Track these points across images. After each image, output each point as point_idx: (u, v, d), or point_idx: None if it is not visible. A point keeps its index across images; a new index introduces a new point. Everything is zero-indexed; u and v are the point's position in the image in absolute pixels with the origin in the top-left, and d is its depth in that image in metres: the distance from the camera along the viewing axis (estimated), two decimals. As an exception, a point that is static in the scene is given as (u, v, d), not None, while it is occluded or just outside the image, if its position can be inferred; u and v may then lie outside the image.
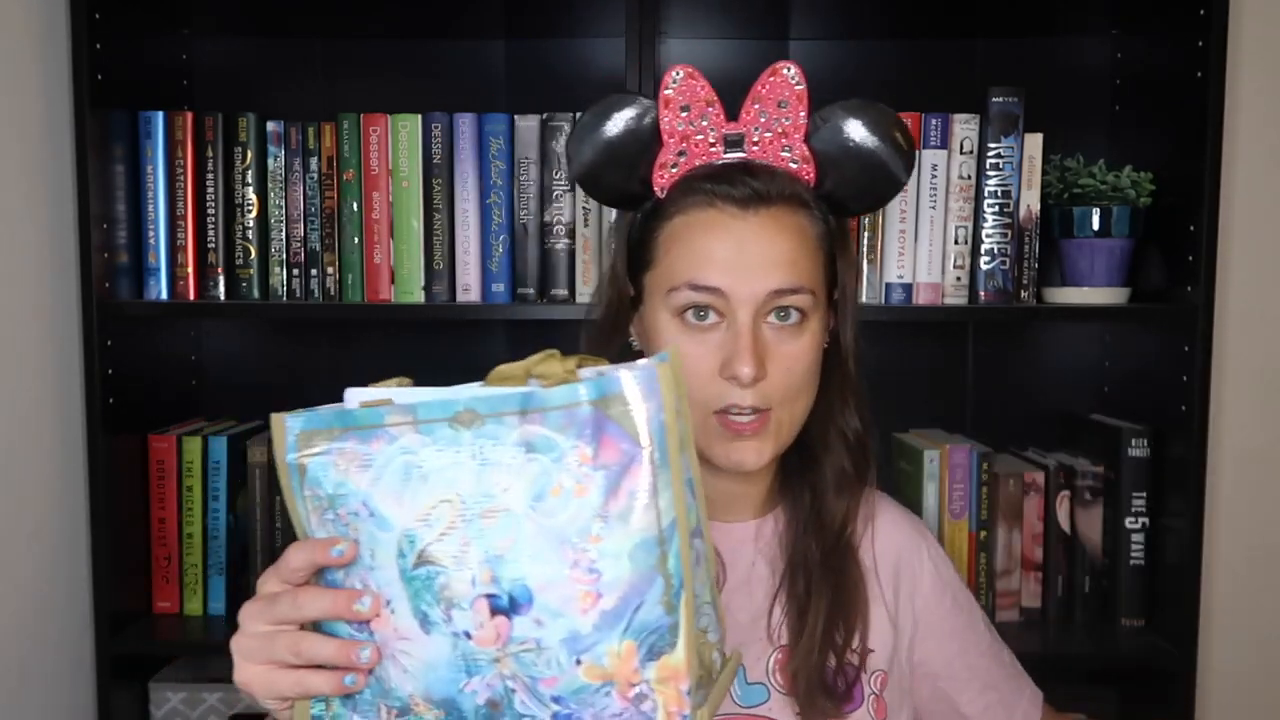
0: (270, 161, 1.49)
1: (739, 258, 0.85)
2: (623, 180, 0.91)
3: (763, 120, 0.88)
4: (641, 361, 0.62)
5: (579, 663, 0.61)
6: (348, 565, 0.65)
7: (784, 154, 0.88)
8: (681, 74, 0.88)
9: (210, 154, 1.49)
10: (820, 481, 0.94)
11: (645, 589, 0.60)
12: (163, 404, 1.59)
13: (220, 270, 1.50)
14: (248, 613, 0.68)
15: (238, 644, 0.68)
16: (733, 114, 0.89)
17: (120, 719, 1.48)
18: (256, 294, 1.50)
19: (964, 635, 1.02)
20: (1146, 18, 1.52)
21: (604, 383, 0.59)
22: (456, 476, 0.62)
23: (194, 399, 1.69)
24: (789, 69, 0.87)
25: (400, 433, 0.63)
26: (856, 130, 0.88)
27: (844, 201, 0.91)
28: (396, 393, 0.64)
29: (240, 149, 1.49)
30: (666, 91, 0.88)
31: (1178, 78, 1.42)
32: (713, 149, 0.89)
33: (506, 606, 0.61)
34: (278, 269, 1.50)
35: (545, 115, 1.46)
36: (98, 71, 1.39)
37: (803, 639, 0.91)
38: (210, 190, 1.49)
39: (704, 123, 0.88)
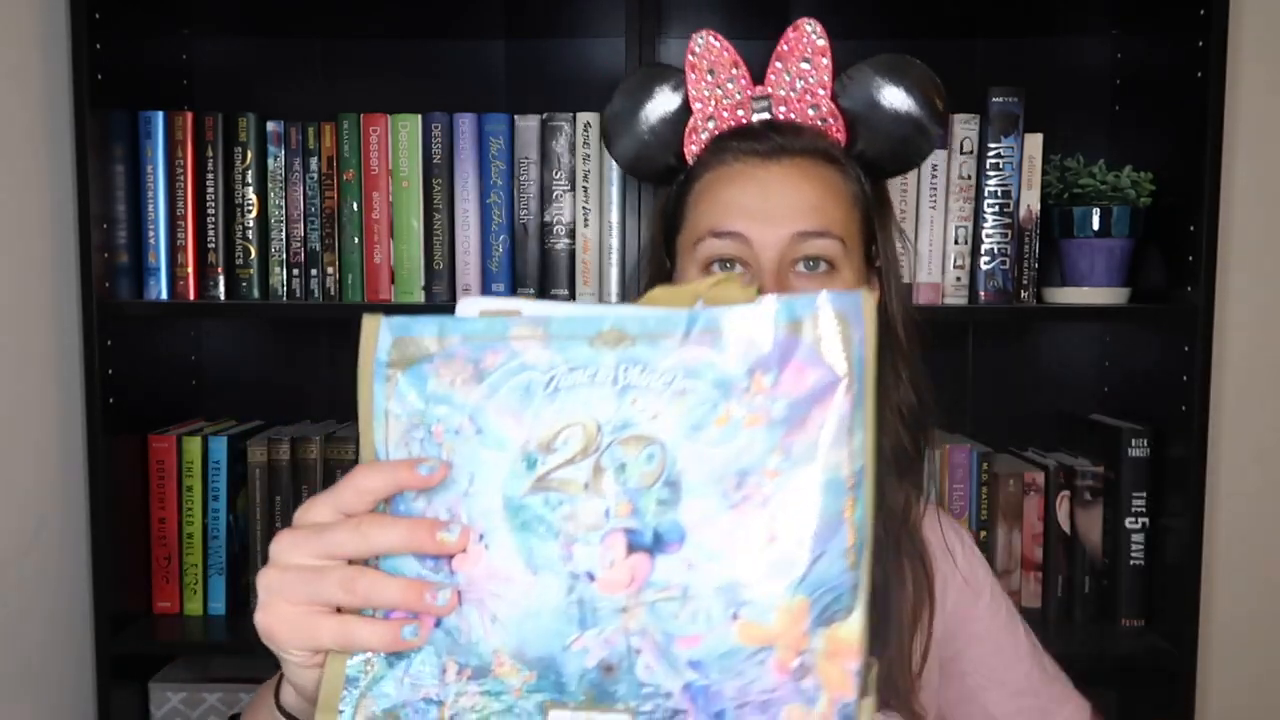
0: (270, 161, 1.49)
1: (762, 204, 0.83)
2: (664, 158, 0.90)
3: (787, 79, 0.87)
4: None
5: (735, 617, 0.51)
6: (431, 491, 0.55)
7: (810, 112, 0.87)
8: (705, 38, 0.87)
9: (210, 154, 1.49)
10: (880, 462, 0.92)
11: (828, 537, 0.51)
12: (163, 404, 1.59)
13: (220, 270, 1.50)
14: (285, 544, 0.55)
15: (266, 579, 0.55)
16: (759, 79, 0.88)
17: (120, 719, 1.48)
18: (256, 294, 1.50)
19: (998, 637, 0.99)
20: (1146, 18, 1.52)
21: (798, 303, 0.51)
22: (592, 399, 0.53)
23: (194, 399, 1.69)
24: (810, 24, 0.86)
25: (524, 348, 0.54)
26: (887, 89, 0.86)
27: (877, 161, 0.88)
28: (525, 304, 0.55)
29: (240, 149, 1.49)
30: (691, 57, 0.87)
31: (1178, 78, 1.42)
32: (740, 112, 0.87)
33: (649, 544, 0.52)
34: (278, 269, 1.50)
35: (545, 115, 1.46)
36: (98, 71, 1.39)
37: (891, 630, 0.88)
38: (210, 190, 1.49)
39: (730, 85, 0.87)
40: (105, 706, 1.46)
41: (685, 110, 0.89)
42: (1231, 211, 1.57)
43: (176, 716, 1.54)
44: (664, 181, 0.94)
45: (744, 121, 0.88)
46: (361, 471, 0.55)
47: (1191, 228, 1.39)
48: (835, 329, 0.51)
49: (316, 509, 0.55)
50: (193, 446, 1.51)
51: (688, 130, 0.88)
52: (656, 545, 0.52)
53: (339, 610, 0.55)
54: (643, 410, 0.53)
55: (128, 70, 1.46)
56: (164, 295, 1.48)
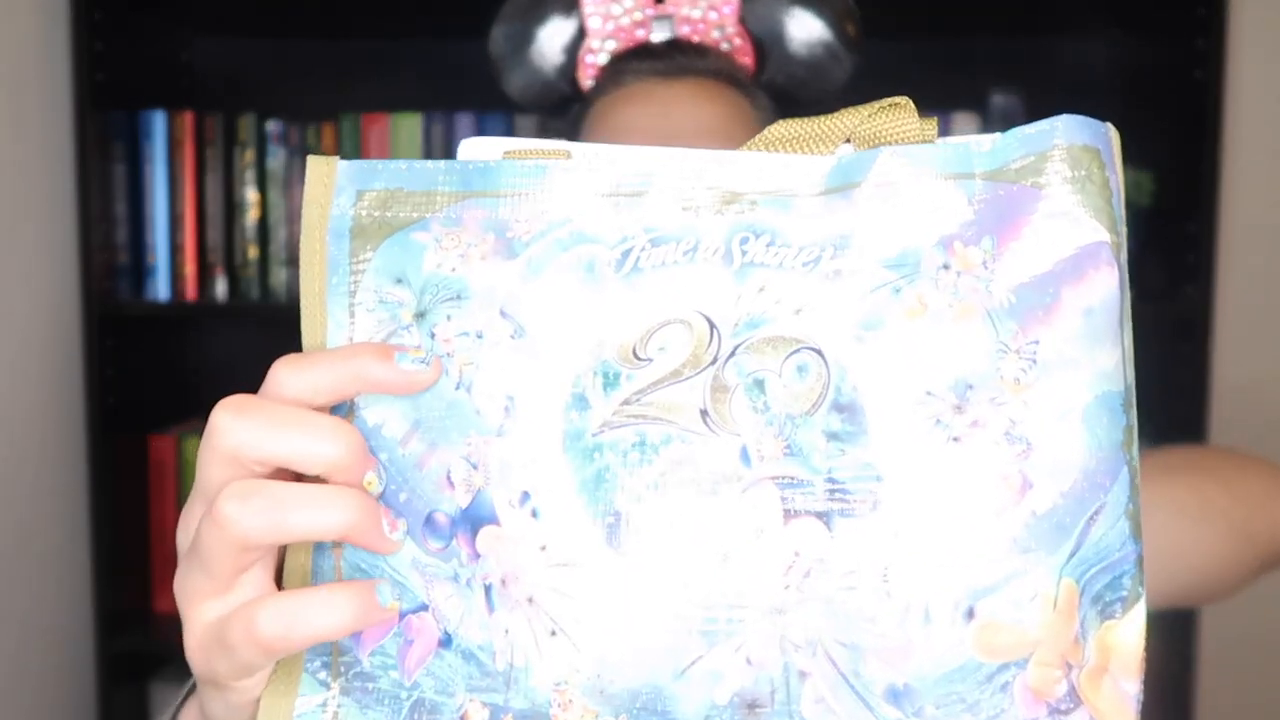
0: (270, 161, 1.49)
1: (663, 124, 0.74)
2: (560, 86, 0.82)
3: None
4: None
5: (971, 616, 0.33)
6: (429, 425, 0.35)
7: (716, 34, 0.79)
8: None
9: (210, 154, 1.49)
10: None
11: (1107, 482, 0.33)
12: (163, 404, 1.59)
13: (220, 270, 1.50)
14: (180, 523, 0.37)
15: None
16: None
17: (120, 719, 1.48)
18: (257, 294, 1.50)
19: None
20: (1147, 17, 1.52)
21: (1026, 136, 0.34)
22: (695, 284, 0.35)
23: (194, 399, 1.69)
24: None
25: (577, 208, 0.35)
26: (796, 12, 0.79)
27: (787, 90, 0.81)
28: (571, 146, 0.37)
29: (240, 149, 1.49)
30: None
31: (1178, 78, 1.42)
32: (639, 32, 0.79)
33: (821, 504, 0.34)
34: (278, 269, 1.50)
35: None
36: (98, 71, 1.39)
37: None
38: (210, 190, 1.49)
39: (629, 2, 0.79)
40: (105, 706, 1.46)
41: (580, 34, 0.80)
42: (1231, 212, 1.57)
43: (176, 716, 1.54)
44: (561, 113, 0.85)
45: (644, 41, 0.79)
46: (284, 367, 0.35)
47: (1191, 228, 1.39)
48: (1090, 170, 0.34)
49: (208, 449, 0.35)
50: (193, 447, 1.51)
51: (582, 53, 0.80)
52: (835, 504, 0.34)
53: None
54: (778, 301, 0.35)
55: (128, 70, 1.46)
56: (164, 295, 1.48)
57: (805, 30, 0.80)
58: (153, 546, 1.52)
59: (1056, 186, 0.34)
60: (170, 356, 1.65)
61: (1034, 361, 0.33)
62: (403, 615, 0.35)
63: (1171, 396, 1.43)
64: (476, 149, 0.37)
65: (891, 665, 0.33)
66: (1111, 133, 0.35)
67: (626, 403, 0.34)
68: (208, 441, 0.34)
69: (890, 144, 0.36)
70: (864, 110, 0.36)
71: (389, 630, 0.35)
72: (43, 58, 1.41)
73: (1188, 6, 1.38)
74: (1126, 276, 0.34)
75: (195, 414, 1.67)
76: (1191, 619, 1.41)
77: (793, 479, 0.34)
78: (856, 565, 0.33)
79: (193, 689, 0.44)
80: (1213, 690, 1.62)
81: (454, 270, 0.35)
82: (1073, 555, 0.33)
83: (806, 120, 0.37)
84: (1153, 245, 1.48)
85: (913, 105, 0.36)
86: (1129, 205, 1.46)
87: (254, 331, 1.72)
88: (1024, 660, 0.33)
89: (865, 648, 0.33)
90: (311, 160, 0.36)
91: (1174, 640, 1.43)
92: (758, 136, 0.37)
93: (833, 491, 0.33)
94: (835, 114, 0.36)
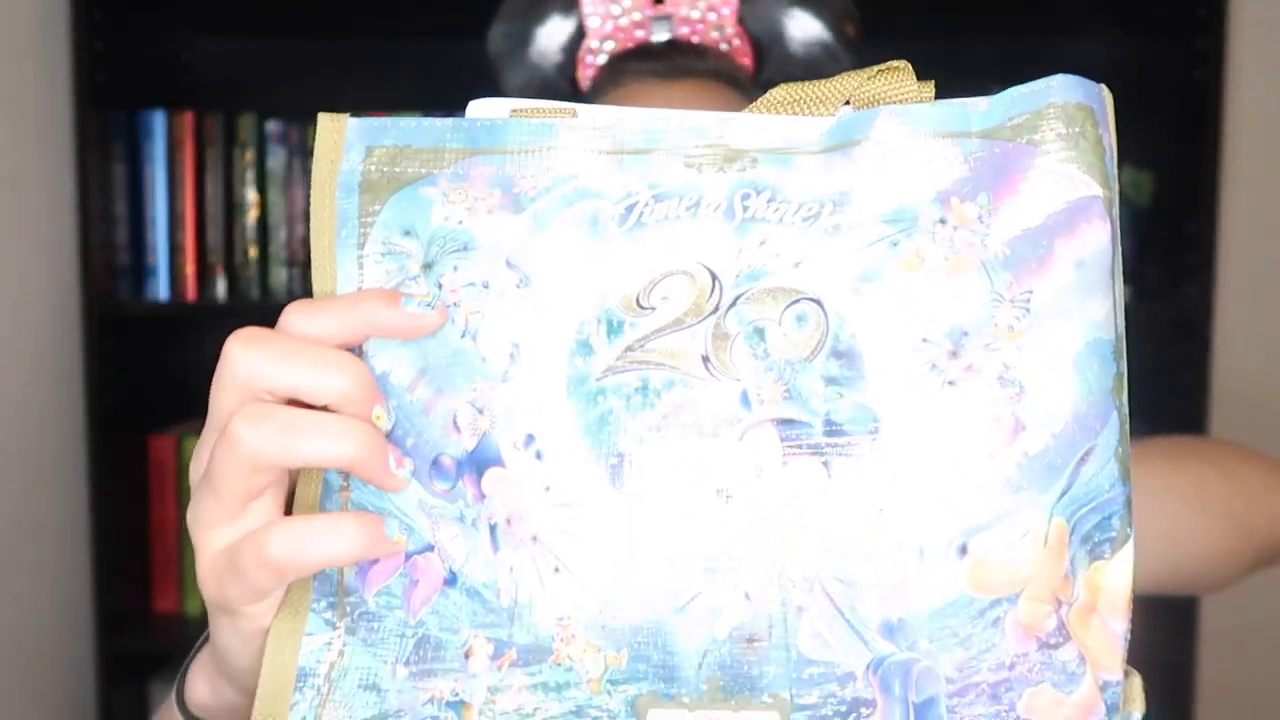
0: (270, 161, 1.49)
1: None
2: (560, 87, 0.82)
3: None
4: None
5: (964, 552, 0.34)
6: (435, 370, 0.36)
7: (715, 34, 0.79)
8: None
9: (210, 153, 1.49)
10: None
11: (1097, 426, 0.34)
12: (163, 404, 1.59)
13: (221, 270, 1.50)
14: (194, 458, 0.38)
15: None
16: None
17: (120, 719, 1.48)
18: (257, 294, 1.50)
19: None
20: (1146, 17, 1.52)
21: (1020, 95, 0.36)
22: (697, 236, 0.36)
23: (194, 399, 1.69)
24: None
25: (582, 165, 0.36)
26: (796, 13, 0.79)
27: None
28: (578, 107, 0.38)
29: (240, 148, 1.49)
30: None
31: (1178, 78, 1.42)
32: (639, 33, 0.79)
33: (819, 442, 0.35)
34: (278, 269, 1.50)
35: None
36: (98, 71, 1.39)
37: None
38: (210, 190, 1.49)
39: (628, 2, 0.78)
40: (105, 706, 1.45)
41: (580, 34, 0.80)
42: (1231, 211, 1.57)
43: (177, 716, 1.54)
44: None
45: (643, 41, 0.79)
46: (295, 311, 0.36)
47: (1191, 228, 1.39)
48: (1084, 127, 0.35)
49: (220, 390, 0.36)
50: (193, 447, 1.51)
51: (581, 53, 0.79)
52: (832, 445, 0.34)
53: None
54: (777, 254, 0.36)
55: (128, 70, 1.46)
56: (164, 295, 1.48)
57: (804, 31, 0.80)
58: (153, 546, 1.51)
59: (1051, 143, 0.35)
60: (170, 356, 1.65)
61: (1027, 310, 0.35)
62: (409, 556, 0.36)
63: (1171, 396, 1.43)
64: (485, 109, 0.38)
65: (886, 601, 0.34)
66: (1105, 93, 0.36)
67: (630, 349, 0.35)
68: (220, 371, 0.35)
69: (887, 104, 0.37)
70: (863, 73, 0.37)
71: (395, 571, 0.36)
72: (43, 57, 1.41)
73: (1188, 6, 1.38)
74: (1118, 229, 0.36)
75: (195, 414, 1.67)
76: (1192, 611, 1.41)
77: (792, 421, 0.35)
78: (853, 504, 0.34)
79: (195, 651, 0.45)
80: (1213, 682, 1.62)
81: (461, 223, 0.36)
82: (1063, 494, 0.34)
83: (807, 84, 0.37)
84: (1153, 245, 1.48)
85: (911, 68, 0.37)
86: (1129, 204, 1.46)
87: (254, 331, 1.72)
88: (1015, 596, 0.34)
89: (861, 584, 0.34)
90: (322, 117, 0.37)
91: (1174, 632, 1.43)
92: (759, 100, 0.38)
93: (831, 433, 0.35)
94: (834, 78, 0.37)
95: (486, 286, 0.36)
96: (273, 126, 1.49)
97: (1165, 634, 1.46)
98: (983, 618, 0.34)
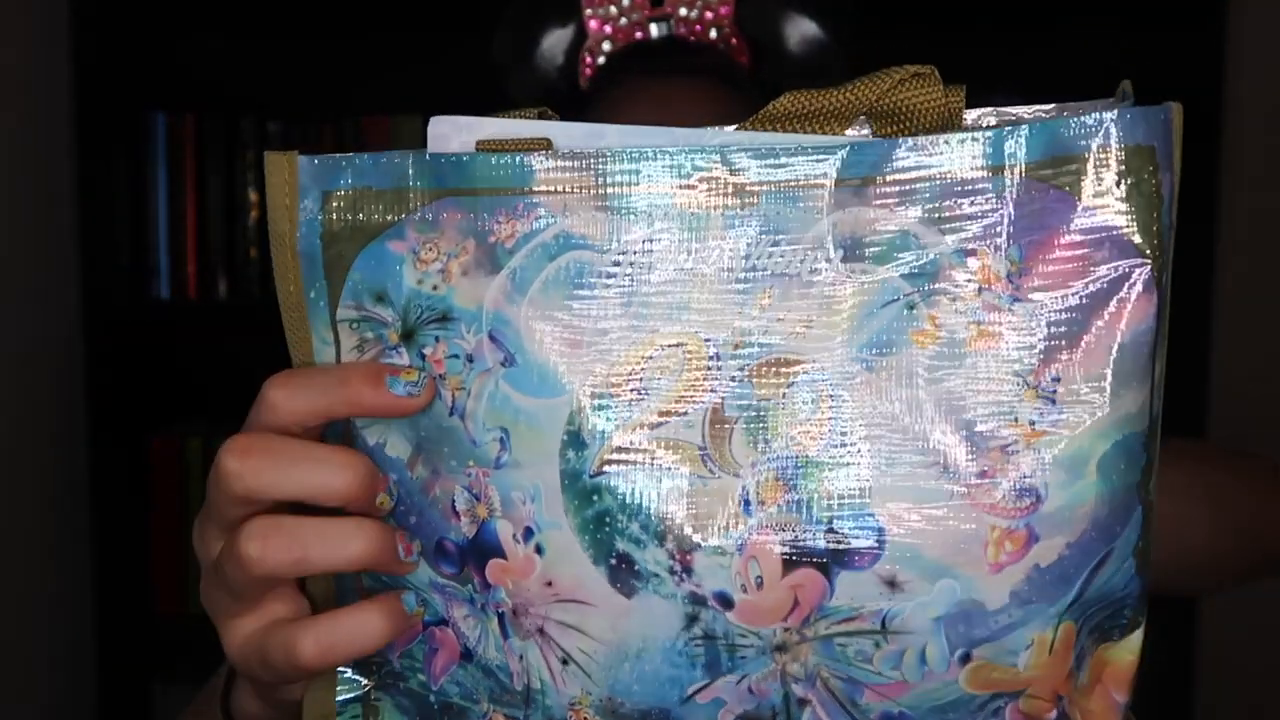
0: (271, 162, 1.50)
1: (660, 122, 0.75)
2: (564, 88, 0.82)
3: None
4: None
5: (967, 660, 0.33)
6: (429, 452, 0.35)
7: (713, 34, 0.80)
8: None
9: (212, 154, 1.49)
10: None
11: (1119, 528, 0.32)
12: (163, 404, 1.59)
13: (222, 270, 1.50)
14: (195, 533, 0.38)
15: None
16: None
17: (120, 719, 1.48)
18: (258, 294, 1.50)
19: None
20: (1148, 17, 1.52)
21: (1067, 126, 0.32)
22: (692, 298, 0.32)
23: (196, 399, 1.69)
24: None
25: (564, 207, 0.33)
26: (793, 14, 0.80)
27: (784, 91, 0.81)
28: (554, 128, 0.34)
29: (241, 149, 1.49)
30: None
31: (1178, 78, 1.42)
32: (638, 33, 0.80)
33: (822, 551, 0.32)
34: (278, 269, 1.50)
35: (542, 112, 1.46)
36: (98, 71, 1.39)
37: None
38: (212, 190, 1.49)
39: (626, 2, 0.80)
40: (105, 706, 1.46)
41: (581, 37, 0.81)
42: (1231, 211, 1.57)
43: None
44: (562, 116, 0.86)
45: (641, 40, 0.80)
46: (277, 389, 0.35)
47: (1192, 228, 1.39)
48: (1141, 177, 0.32)
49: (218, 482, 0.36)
50: (194, 447, 1.51)
51: (583, 53, 0.81)
52: (836, 555, 0.32)
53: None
54: (781, 318, 0.32)
55: (128, 70, 1.46)
56: (165, 295, 1.48)
57: (801, 31, 0.80)
58: (153, 547, 1.51)
59: (1098, 195, 0.31)
60: (171, 356, 1.65)
61: (1052, 403, 0.31)
62: (426, 625, 0.36)
63: (1171, 395, 1.42)
64: (446, 128, 0.34)
65: (887, 697, 0.33)
66: (1174, 118, 0.33)
67: (623, 446, 0.33)
68: (217, 485, 0.35)
69: (912, 120, 0.33)
70: (884, 82, 0.33)
71: (415, 638, 0.36)
72: (44, 58, 1.41)
73: (1190, 6, 1.38)
74: (1167, 297, 0.32)
75: (196, 414, 1.67)
76: (1192, 616, 1.41)
77: (794, 528, 0.33)
78: (856, 613, 0.33)
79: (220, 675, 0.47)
80: (1213, 688, 1.62)
81: (435, 288, 0.34)
82: (1074, 603, 0.33)
83: (818, 93, 0.33)
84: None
85: (937, 73, 0.33)
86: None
87: (255, 331, 1.72)
88: (1015, 694, 0.33)
89: (863, 682, 0.33)
90: (270, 157, 0.34)
91: (1174, 638, 1.43)
92: (762, 111, 0.34)
93: (834, 543, 0.32)
94: (851, 85, 0.33)
95: (471, 361, 0.34)
96: (274, 127, 1.49)
97: (1165, 634, 1.46)
98: (983, 710, 0.34)
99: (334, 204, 0.34)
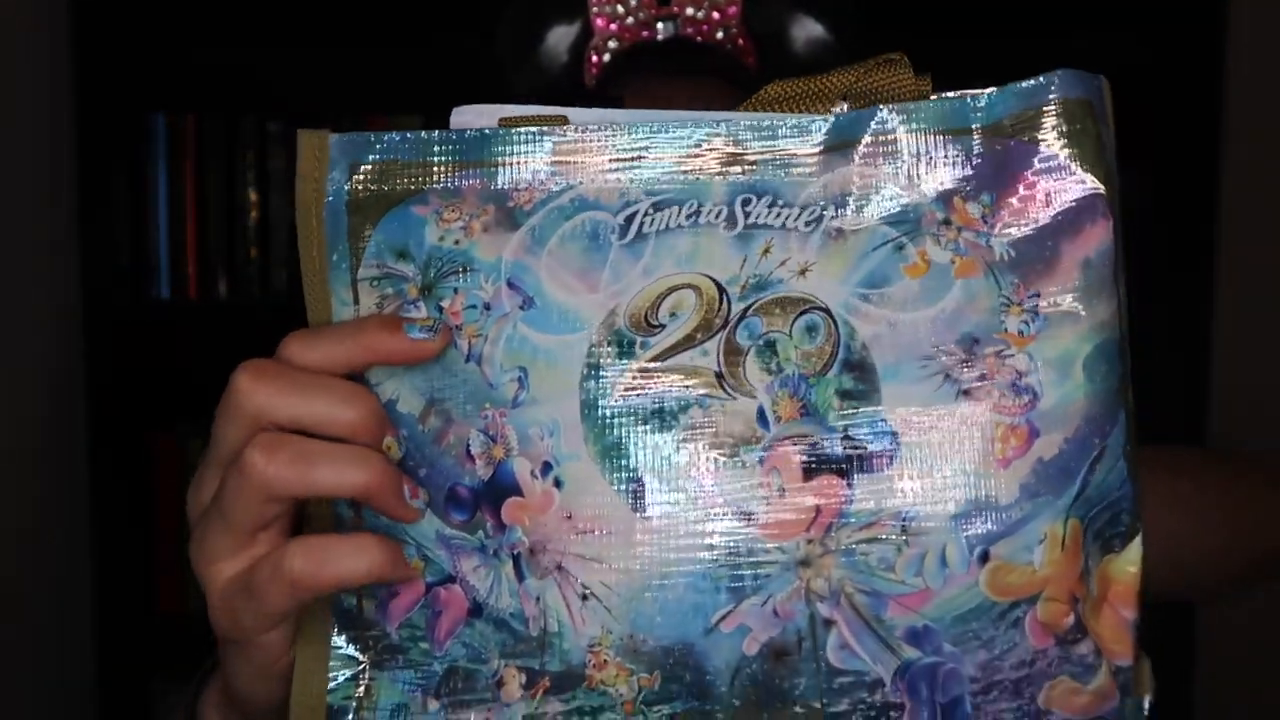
0: (271, 163, 1.50)
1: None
2: (568, 86, 0.82)
3: None
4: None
5: (985, 559, 0.35)
6: (445, 399, 0.36)
7: (720, 34, 0.81)
8: None
9: (212, 154, 1.49)
10: None
11: (1108, 426, 0.35)
12: (164, 403, 1.59)
13: (222, 270, 1.50)
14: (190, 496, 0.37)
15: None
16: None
17: (120, 719, 1.48)
18: (258, 293, 1.50)
19: None
20: (1147, 17, 1.52)
21: (1022, 91, 0.36)
22: (699, 248, 0.36)
23: (196, 398, 1.69)
24: None
25: (579, 174, 0.36)
26: (800, 15, 0.80)
27: None
28: (570, 111, 0.37)
29: (241, 149, 1.49)
30: None
31: (1178, 78, 1.42)
32: (644, 33, 0.80)
33: (839, 457, 0.35)
34: (279, 269, 1.51)
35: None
36: (98, 72, 1.39)
37: None
38: (212, 190, 1.49)
39: (633, 2, 0.80)
40: (105, 706, 1.46)
41: (586, 34, 0.81)
42: (1231, 211, 1.57)
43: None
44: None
45: (648, 40, 0.80)
46: (294, 342, 0.36)
47: (1192, 228, 1.39)
48: (1085, 123, 0.36)
49: (218, 436, 0.36)
50: (194, 447, 1.51)
51: (589, 52, 0.81)
52: (852, 459, 0.34)
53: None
54: (783, 262, 0.35)
55: (128, 70, 1.46)
56: (165, 295, 1.48)
57: (806, 32, 0.81)
58: (153, 546, 1.51)
59: (1052, 141, 0.35)
60: (171, 356, 1.65)
61: (1035, 314, 0.35)
62: (429, 587, 0.36)
63: (1171, 396, 1.43)
64: (470, 116, 0.37)
65: (910, 610, 0.35)
66: (1105, 85, 0.38)
67: (642, 370, 0.35)
68: (227, 403, 0.36)
69: (886, 101, 0.36)
70: (859, 67, 0.37)
71: (416, 603, 0.36)
72: (44, 59, 1.41)
73: (1187, 5, 1.38)
74: (1120, 226, 0.36)
75: (196, 414, 1.67)
76: (1191, 618, 1.41)
77: (811, 437, 0.35)
78: (876, 518, 0.35)
79: (203, 677, 0.43)
80: (1213, 689, 1.62)
81: (457, 243, 0.36)
82: (1077, 497, 0.35)
83: (801, 80, 0.37)
84: (1153, 245, 1.48)
85: (907, 60, 0.37)
86: (1129, 201, 1.46)
87: (256, 331, 1.72)
88: (1034, 597, 0.35)
89: (887, 594, 0.35)
90: (303, 134, 0.36)
91: (1174, 639, 1.43)
92: (753, 97, 0.38)
93: (850, 448, 0.35)
94: (830, 73, 0.37)
95: (489, 309, 0.36)
96: (274, 127, 1.50)
97: (1165, 635, 1.46)
98: (1004, 619, 0.35)
99: (361, 174, 0.36)
